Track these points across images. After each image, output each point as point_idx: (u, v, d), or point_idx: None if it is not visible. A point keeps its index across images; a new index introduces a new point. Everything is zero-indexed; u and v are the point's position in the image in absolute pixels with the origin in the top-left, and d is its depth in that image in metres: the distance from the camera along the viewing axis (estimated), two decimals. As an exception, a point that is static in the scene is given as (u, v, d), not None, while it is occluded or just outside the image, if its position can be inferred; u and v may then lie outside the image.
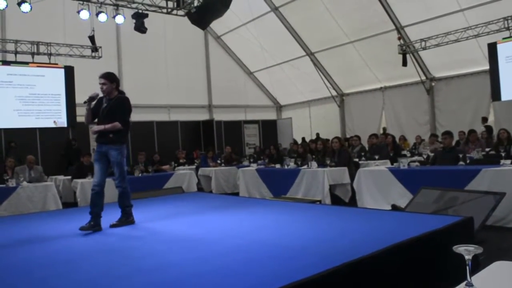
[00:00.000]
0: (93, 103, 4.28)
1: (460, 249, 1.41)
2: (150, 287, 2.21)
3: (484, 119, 12.56)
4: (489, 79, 11.80)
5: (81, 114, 13.38)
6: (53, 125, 12.58)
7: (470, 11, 11.47)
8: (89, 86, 13.55)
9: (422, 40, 12.53)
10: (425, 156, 8.89)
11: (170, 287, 2.20)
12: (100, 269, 2.64)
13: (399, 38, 12.95)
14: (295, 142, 15.47)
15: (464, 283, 1.39)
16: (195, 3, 10.91)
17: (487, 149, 8.89)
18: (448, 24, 11.86)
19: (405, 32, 13.12)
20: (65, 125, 12.78)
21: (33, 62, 12.14)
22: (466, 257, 1.39)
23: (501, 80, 11.42)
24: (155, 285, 2.24)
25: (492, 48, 11.41)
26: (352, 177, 7.37)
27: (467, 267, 1.39)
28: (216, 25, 15.99)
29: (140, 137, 13.42)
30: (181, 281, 2.27)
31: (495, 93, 11.60)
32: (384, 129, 14.49)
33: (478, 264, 2.58)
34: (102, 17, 10.93)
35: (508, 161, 5.78)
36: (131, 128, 4.51)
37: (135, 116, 14.01)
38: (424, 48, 12.67)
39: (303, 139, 15.80)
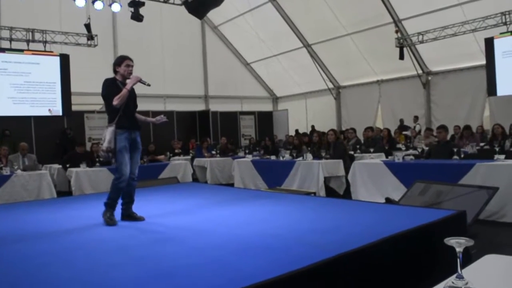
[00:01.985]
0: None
1: (452, 241, 1.42)
2: (142, 277, 2.22)
3: (415, 118, 13.30)
4: (485, 74, 11.82)
5: (77, 102, 13.41)
6: (48, 114, 12.51)
7: (468, 5, 11.46)
8: (84, 74, 13.62)
9: (419, 33, 12.52)
10: (419, 150, 8.93)
11: (163, 277, 2.20)
12: (94, 258, 2.65)
13: (396, 31, 12.92)
14: (297, 133, 15.41)
15: (455, 275, 1.40)
16: (193, -8, 10.84)
17: (481, 144, 8.95)
18: (446, 18, 11.84)
19: (403, 25, 13.10)
20: (60, 114, 12.71)
21: (28, 50, 12.04)
22: (457, 249, 1.41)
23: (497, 75, 11.44)
24: (148, 275, 2.24)
25: (489, 43, 11.42)
26: (347, 170, 7.40)
27: (458, 260, 1.40)
28: (213, 15, 15.90)
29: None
30: (174, 272, 2.28)
31: (491, 88, 11.63)
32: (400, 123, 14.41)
33: (470, 257, 2.61)
34: (98, 5, 10.86)
35: (502, 156, 5.82)
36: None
37: (130, 106, 14.09)
38: (422, 42, 12.66)
39: (297, 131, 15.79)
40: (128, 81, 3.95)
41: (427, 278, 2.86)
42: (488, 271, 1.55)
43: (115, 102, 3.78)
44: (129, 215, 3.92)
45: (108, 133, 3.78)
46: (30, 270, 2.42)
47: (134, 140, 3.94)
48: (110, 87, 3.90)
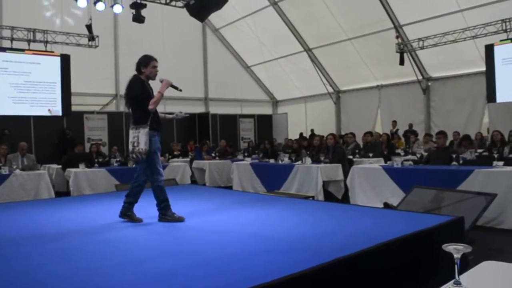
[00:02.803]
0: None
1: (450, 247, 1.42)
2: (142, 277, 2.22)
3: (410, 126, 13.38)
4: (485, 81, 11.85)
5: (77, 103, 13.41)
6: (47, 114, 12.52)
7: (469, 12, 11.49)
8: (84, 75, 13.59)
9: (420, 39, 12.56)
10: (418, 155, 8.94)
11: (162, 278, 2.20)
12: (93, 259, 2.64)
13: (397, 37, 12.96)
14: (301, 136, 15.40)
15: (453, 281, 1.40)
16: (194, -5, 10.86)
17: (479, 150, 8.96)
18: (447, 24, 11.88)
19: (403, 31, 13.13)
20: (60, 114, 12.71)
21: (29, 49, 12.05)
22: (455, 255, 1.41)
23: (496, 82, 11.48)
24: (147, 275, 2.24)
25: (489, 50, 11.45)
26: (345, 174, 7.40)
27: (456, 266, 1.40)
28: (215, 18, 15.91)
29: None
30: (173, 273, 2.28)
31: (491, 95, 11.65)
32: (393, 126, 14.37)
33: (468, 263, 2.61)
34: (100, 6, 10.86)
35: (501, 163, 5.83)
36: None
37: (130, 107, 14.09)
38: (422, 48, 12.70)
39: (301, 134, 15.78)
40: (160, 84, 3.90)
41: (425, 284, 2.86)
42: (486, 277, 1.55)
43: (151, 106, 3.76)
44: (128, 215, 3.89)
45: (143, 135, 3.75)
46: (27, 270, 2.41)
47: (160, 141, 3.99)
48: (141, 89, 3.85)
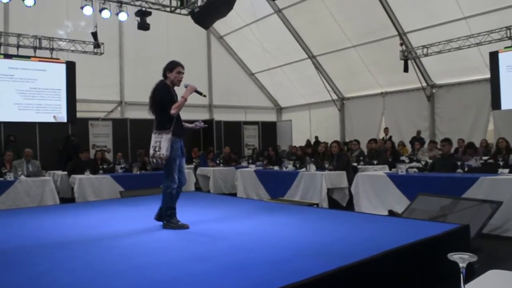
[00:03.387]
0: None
1: (455, 256, 1.42)
2: (146, 284, 2.21)
3: (418, 132, 13.32)
4: (490, 88, 11.82)
5: (83, 110, 13.47)
6: (53, 120, 12.58)
7: (473, 19, 11.49)
8: (89, 82, 13.65)
9: (424, 46, 12.56)
10: (423, 163, 8.90)
11: (166, 285, 2.20)
12: (96, 266, 2.65)
13: (401, 44, 12.96)
14: (308, 143, 15.36)
15: (458, 290, 1.39)
16: (199, 3, 10.93)
17: (485, 158, 8.92)
18: (451, 32, 11.88)
19: (407, 38, 13.14)
20: (65, 121, 12.77)
21: (35, 56, 12.14)
22: (460, 265, 1.40)
23: (501, 89, 11.45)
24: (151, 282, 2.24)
25: (494, 57, 11.44)
26: (350, 181, 7.37)
27: (461, 275, 1.40)
28: (219, 25, 15.99)
29: (140, 134, 13.41)
30: (177, 280, 2.28)
31: (495, 102, 11.62)
32: (385, 134, 14.29)
33: (473, 272, 2.59)
34: (105, 14, 10.94)
35: (506, 170, 5.79)
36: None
37: (135, 114, 14.11)
38: (426, 55, 12.69)
39: (308, 141, 15.75)
40: (184, 90, 3.91)
41: (430, 292, 2.84)
42: (492, 286, 1.54)
43: (173, 111, 3.76)
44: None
45: (165, 141, 3.74)
46: (31, 277, 2.42)
47: (182, 147, 3.98)
48: (166, 94, 3.86)
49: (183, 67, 3.95)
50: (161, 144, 3.75)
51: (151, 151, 3.81)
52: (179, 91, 3.99)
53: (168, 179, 3.84)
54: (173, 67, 3.91)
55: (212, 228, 3.83)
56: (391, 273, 2.62)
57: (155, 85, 3.93)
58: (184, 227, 3.79)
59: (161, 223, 3.92)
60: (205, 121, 4.58)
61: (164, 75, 3.93)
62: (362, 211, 6.55)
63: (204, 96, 4.05)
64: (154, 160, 3.81)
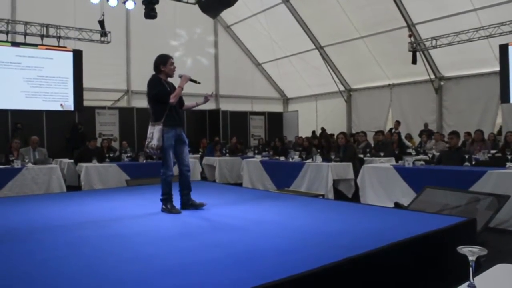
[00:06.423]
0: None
1: (465, 250, 1.40)
2: (148, 274, 2.22)
3: (425, 125, 13.14)
4: (499, 81, 11.70)
5: (89, 98, 13.50)
6: (59, 108, 12.62)
7: (483, 11, 11.34)
8: (96, 70, 13.65)
9: (433, 38, 12.42)
10: (430, 155, 8.86)
11: (170, 274, 2.20)
12: (99, 254, 2.66)
13: (409, 36, 12.83)
14: (313, 134, 15.30)
15: (467, 283, 1.38)
16: (206, -8, 10.87)
17: (493, 151, 8.85)
18: (460, 23, 11.73)
19: (416, 30, 13.00)
20: (72, 109, 12.81)
21: (42, 45, 12.15)
22: (470, 258, 1.39)
23: (511, 82, 11.31)
24: (154, 272, 2.25)
25: (504, 50, 11.29)
26: (356, 173, 7.37)
27: (470, 268, 1.38)
28: (226, 15, 15.91)
29: (146, 123, 13.41)
30: (181, 269, 2.28)
31: (504, 95, 11.50)
32: (395, 127, 14.13)
33: (480, 265, 2.58)
34: (113, 2, 10.92)
35: (514, 164, 5.75)
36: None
37: (142, 103, 14.12)
38: (435, 47, 12.55)
39: (313, 132, 15.70)
40: (179, 80, 4.20)
41: (436, 286, 2.84)
42: (500, 280, 1.53)
43: (172, 100, 4.05)
44: (190, 204, 4.20)
45: (156, 132, 4.03)
46: (37, 264, 2.43)
47: (180, 136, 4.21)
48: (159, 87, 4.11)
49: (173, 59, 4.24)
50: (153, 135, 4.04)
51: (146, 142, 4.12)
52: (175, 82, 4.29)
53: (164, 167, 4.12)
54: (165, 60, 4.19)
55: (217, 217, 3.84)
56: (396, 265, 2.62)
57: (148, 80, 4.18)
58: (176, 211, 4.01)
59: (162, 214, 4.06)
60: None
61: (158, 70, 4.18)
62: (368, 203, 6.54)
63: (199, 83, 4.29)
64: (148, 150, 4.15)
